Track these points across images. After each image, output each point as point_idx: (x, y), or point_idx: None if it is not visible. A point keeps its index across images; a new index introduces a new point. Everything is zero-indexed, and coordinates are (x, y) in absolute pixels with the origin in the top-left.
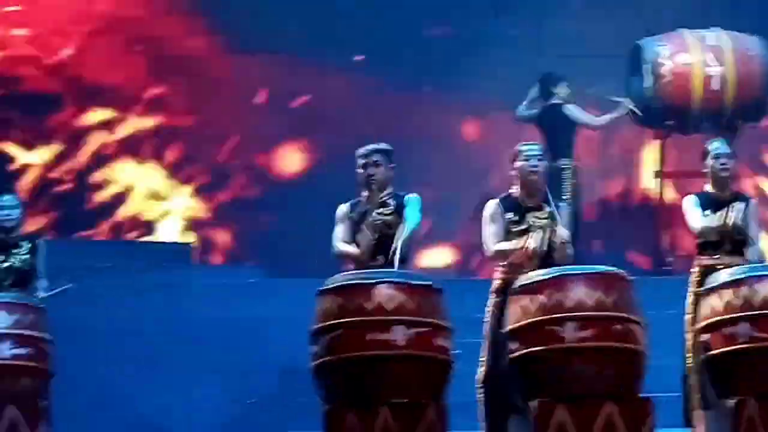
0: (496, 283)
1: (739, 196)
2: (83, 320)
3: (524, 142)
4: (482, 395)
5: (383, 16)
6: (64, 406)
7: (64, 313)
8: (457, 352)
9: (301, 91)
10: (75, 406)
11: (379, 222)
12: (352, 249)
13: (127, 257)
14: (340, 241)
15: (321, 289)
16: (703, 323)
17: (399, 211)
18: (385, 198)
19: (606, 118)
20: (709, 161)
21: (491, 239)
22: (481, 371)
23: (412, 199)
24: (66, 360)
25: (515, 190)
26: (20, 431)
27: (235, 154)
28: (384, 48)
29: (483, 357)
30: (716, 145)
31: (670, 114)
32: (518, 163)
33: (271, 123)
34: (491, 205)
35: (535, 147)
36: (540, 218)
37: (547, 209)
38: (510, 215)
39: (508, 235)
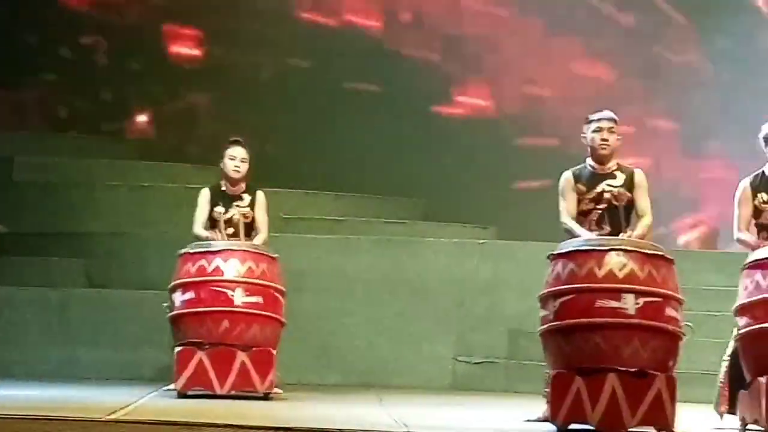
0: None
1: None
2: (316, 271)
3: None
4: (726, 368)
5: None
6: (292, 355)
7: (297, 262)
8: (689, 324)
9: None
10: (303, 356)
11: (608, 195)
12: (579, 230)
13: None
14: (567, 214)
15: (553, 253)
16: None
17: (628, 185)
18: (612, 169)
19: None
20: None
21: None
22: (731, 344)
23: (644, 179)
24: (297, 309)
25: None
26: (251, 378)
27: None
28: None
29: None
30: None
31: None
32: None
33: None
34: (740, 188)
35: None
36: None
37: None
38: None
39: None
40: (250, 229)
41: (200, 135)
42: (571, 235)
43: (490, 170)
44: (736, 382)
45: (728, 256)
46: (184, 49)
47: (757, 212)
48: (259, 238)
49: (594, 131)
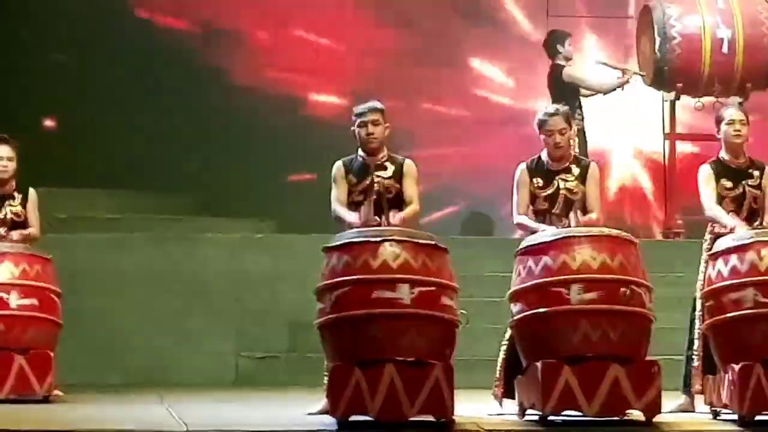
0: None
1: (755, 164)
2: (93, 270)
3: (546, 111)
4: (504, 354)
5: None
6: (72, 357)
7: (73, 263)
8: (463, 311)
9: None
10: (83, 356)
11: (378, 185)
12: (350, 216)
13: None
14: (338, 202)
15: (327, 246)
16: (708, 288)
17: (397, 176)
18: (382, 160)
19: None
20: (723, 127)
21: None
22: (508, 330)
23: (412, 169)
24: (74, 310)
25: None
26: (29, 381)
27: None
28: None
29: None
30: (730, 112)
31: (680, 77)
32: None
33: None
34: (519, 171)
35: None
36: (567, 180)
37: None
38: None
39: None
40: (23, 228)
41: None
42: (342, 222)
43: (266, 163)
44: (511, 367)
45: (506, 242)
46: None
47: (532, 197)
48: (29, 235)
49: (359, 126)
